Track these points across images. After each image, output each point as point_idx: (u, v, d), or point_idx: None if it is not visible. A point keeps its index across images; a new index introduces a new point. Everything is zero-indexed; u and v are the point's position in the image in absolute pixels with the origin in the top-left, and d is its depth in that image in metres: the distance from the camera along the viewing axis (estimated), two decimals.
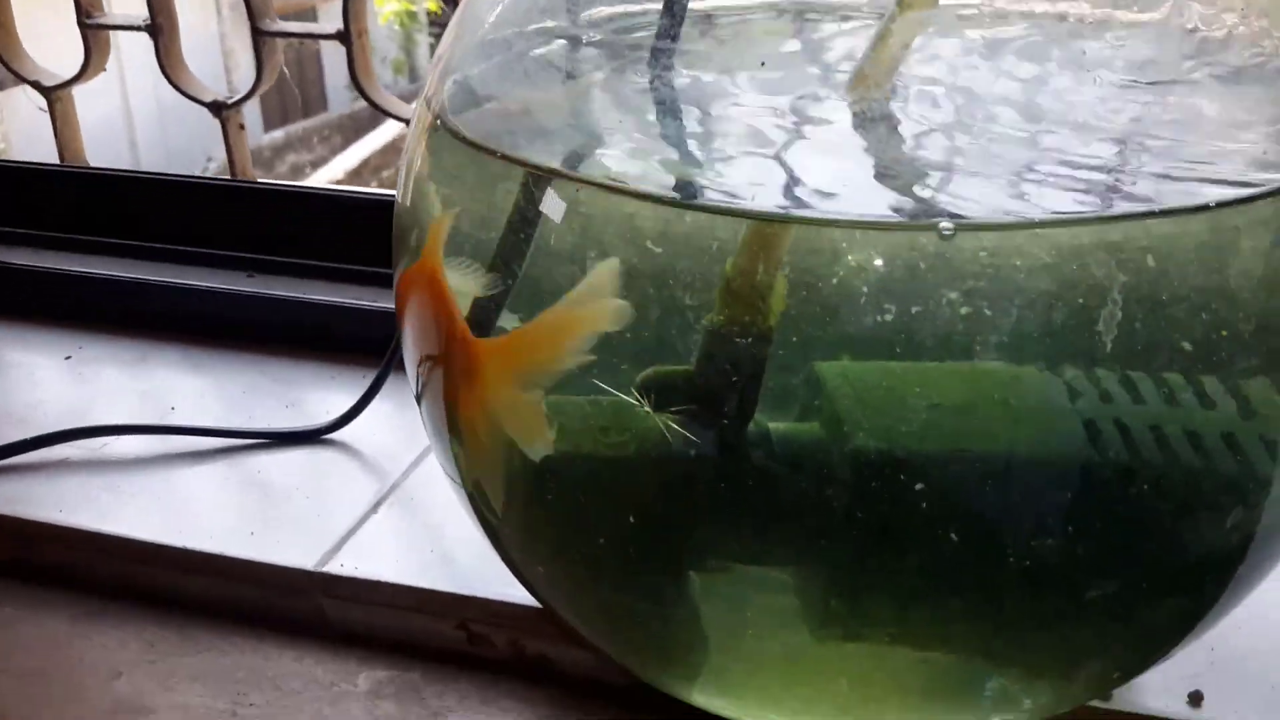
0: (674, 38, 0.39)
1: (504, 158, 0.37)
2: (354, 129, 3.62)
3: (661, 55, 0.40)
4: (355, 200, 0.70)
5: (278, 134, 3.70)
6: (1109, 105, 0.35)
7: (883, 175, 0.36)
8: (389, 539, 0.51)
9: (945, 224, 0.29)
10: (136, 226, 0.74)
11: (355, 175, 3.25)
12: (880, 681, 0.37)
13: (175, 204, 0.74)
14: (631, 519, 0.37)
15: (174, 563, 0.51)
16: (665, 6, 0.39)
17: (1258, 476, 0.34)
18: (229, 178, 0.77)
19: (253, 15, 0.74)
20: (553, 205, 0.35)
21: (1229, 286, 0.31)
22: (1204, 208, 0.30)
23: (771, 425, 0.35)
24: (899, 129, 0.37)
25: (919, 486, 0.33)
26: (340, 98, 3.79)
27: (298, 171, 3.48)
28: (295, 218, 0.72)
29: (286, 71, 0.77)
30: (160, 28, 0.76)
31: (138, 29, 0.77)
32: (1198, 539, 0.35)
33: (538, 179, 0.35)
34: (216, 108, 0.79)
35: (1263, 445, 0.34)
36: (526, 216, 0.36)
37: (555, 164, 0.37)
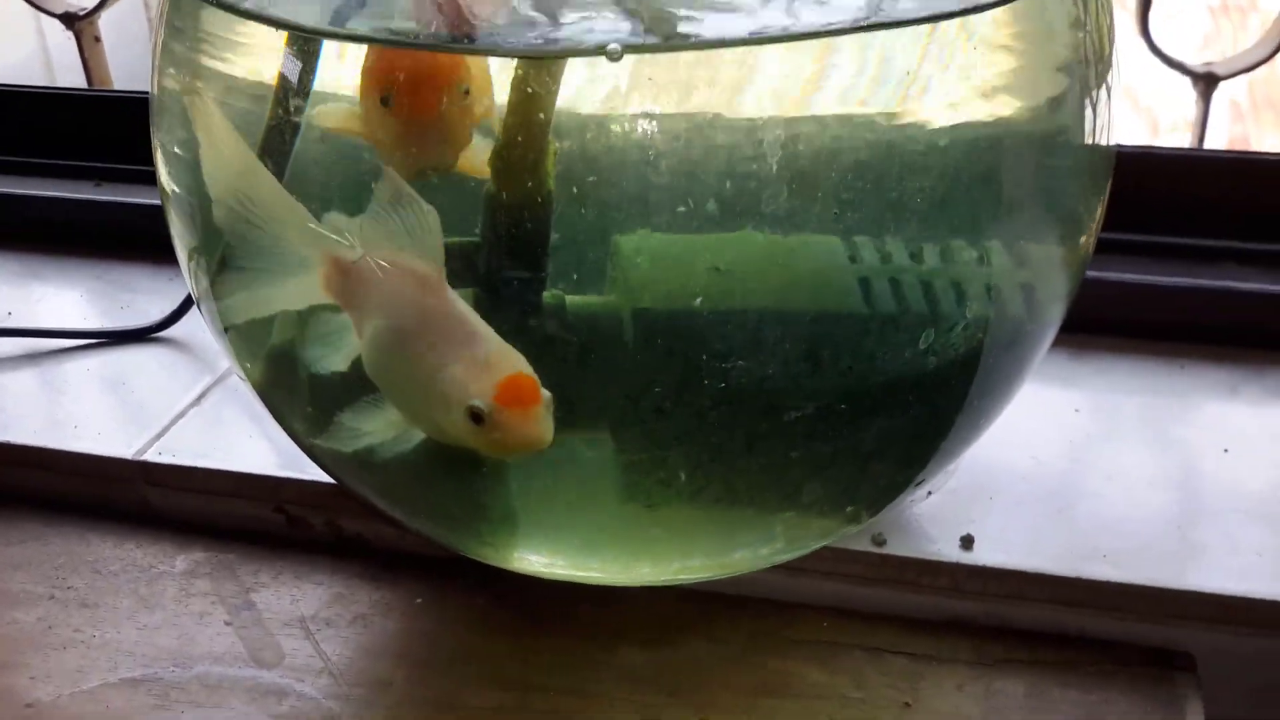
0: None
1: (255, 18, 0.37)
2: None
3: None
4: None
5: None
6: None
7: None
8: (211, 428, 0.52)
9: (613, 46, 0.30)
10: None
11: None
12: (680, 528, 0.39)
13: (25, 115, 0.73)
14: None
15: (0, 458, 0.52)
16: None
17: (966, 313, 0.36)
18: (82, 87, 0.76)
19: None
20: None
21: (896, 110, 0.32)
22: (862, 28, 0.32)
23: (568, 298, 0.36)
24: None
25: (705, 340, 0.34)
26: None
27: None
28: (145, 126, 0.71)
29: None
30: None
31: None
32: (927, 371, 0.36)
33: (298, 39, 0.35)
34: (69, 19, 0.79)
35: (973, 287, 0.36)
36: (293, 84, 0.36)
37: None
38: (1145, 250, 0.57)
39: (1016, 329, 0.39)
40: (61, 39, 0.79)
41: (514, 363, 0.33)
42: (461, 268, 0.35)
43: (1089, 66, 0.38)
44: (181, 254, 0.42)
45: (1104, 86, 0.39)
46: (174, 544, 0.49)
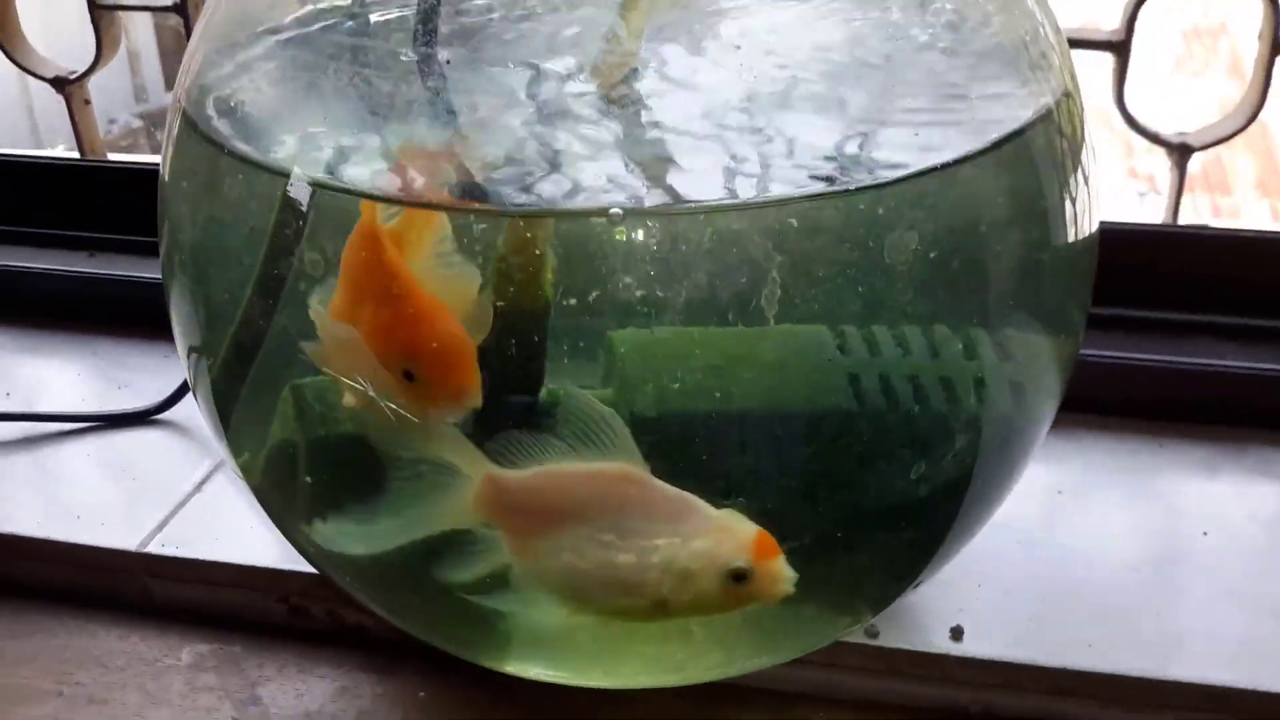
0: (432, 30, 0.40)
1: (253, 163, 0.37)
2: None
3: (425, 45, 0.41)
4: None
5: None
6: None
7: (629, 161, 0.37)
8: (211, 517, 0.53)
9: (615, 210, 0.31)
10: None
11: None
12: (679, 644, 0.40)
13: (16, 183, 0.74)
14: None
15: (2, 549, 0.52)
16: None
17: (973, 417, 0.37)
18: (74, 156, 0.77)
19: None
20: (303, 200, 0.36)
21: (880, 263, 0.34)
22: (843, 192, 0.33)
23: (562, 393, 0.37)
24: (640, 114, 0.38)
25: (698, 440, 0.35)
26: None
27: None
28: (139, 195, 0.72)
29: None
30: None
31: None
32: (930, 472, 0.37)
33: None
34: (59, 83, 0.79)
35: (973, 391, 0.37)
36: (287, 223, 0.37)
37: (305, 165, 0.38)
38: (1122, 325, 0.59)
39: (1010, 434, 0.40)
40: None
41: (743, 518, 0.34)
42: None
43: (1067, 159, 0.39)
44: (182, 349, 0.43)
45: (1080, 173, 0.40)
46: (178, 635, 0.50)
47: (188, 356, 0.42)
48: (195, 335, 0.41)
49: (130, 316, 0.66)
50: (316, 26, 0.41)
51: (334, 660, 0.49)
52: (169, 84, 3.85)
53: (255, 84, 0.40)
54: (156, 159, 0.75)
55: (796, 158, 0.34)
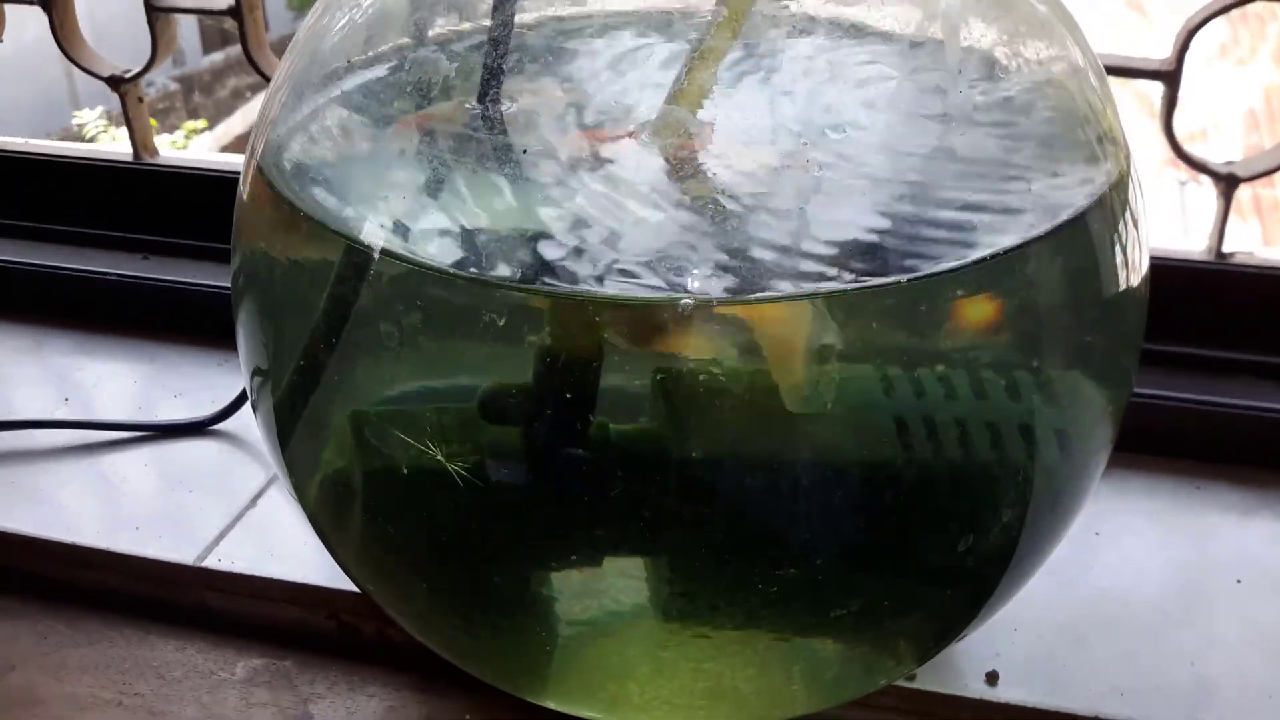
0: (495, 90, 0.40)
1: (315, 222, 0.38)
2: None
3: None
4: None
5: (217, 56, 3.64)
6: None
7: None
8: (265, 532, 0.54)
9: (685, 300, 0.32)
10: (28, 206, 0.75)
11: None
12: (713, 675, 0.41)
13: (70, 183, 0.75)
14: (478, 530, 0.39)
15: (62, 558, 0.54)
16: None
17: (1029, 474, 0.37)
18: (127, 158, 0.78)
19: None
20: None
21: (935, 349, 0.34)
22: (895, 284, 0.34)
23: (612, 426, 0.38)
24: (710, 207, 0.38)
25: (746, 483, 0.36)
26: (281, 19, 3.72)
27: (239, 96, 3.43)
28: (193, 198, 0.73)
29: None
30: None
31: (30, 1, 0.77)
32: (983, 531, 0.38)
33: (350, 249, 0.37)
34: (114, 82, 0.80)
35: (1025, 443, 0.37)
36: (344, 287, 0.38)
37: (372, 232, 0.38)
38: (1161, 361, 0.59)
39: (1062, 491, 0.40)
40: None
41: None
42: (509, 408, 0.38)
43: (1117, 207, 0.39)
44: (246, 368, 0.43)
45: (1130, 216, 0.40)
46: (233, 649, 0.52)
47: (251, 377, 0.43)
48: (261, 358, 0.42)
49: (185, 322, 0.68)
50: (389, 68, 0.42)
51: (382, 679, 0.50)
52: (206, 47, 3.88)
53: (330, 137, 0.41)
54: (211, 161, 0.76)
55: (853, 245, 0.35)
